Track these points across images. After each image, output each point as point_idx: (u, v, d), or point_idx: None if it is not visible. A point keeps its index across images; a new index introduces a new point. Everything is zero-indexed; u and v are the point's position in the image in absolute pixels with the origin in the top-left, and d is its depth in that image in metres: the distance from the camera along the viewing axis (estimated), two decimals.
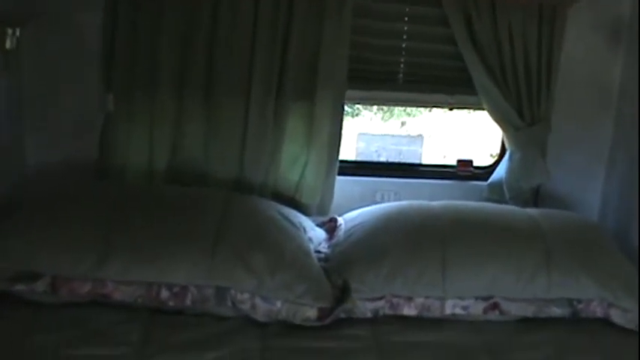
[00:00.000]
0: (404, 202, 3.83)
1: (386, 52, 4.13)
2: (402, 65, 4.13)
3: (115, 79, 3.77)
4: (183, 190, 3.70)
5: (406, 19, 4.06)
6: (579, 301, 3.29)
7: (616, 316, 3.29)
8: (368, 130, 6.15)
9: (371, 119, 6.13)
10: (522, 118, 4.07)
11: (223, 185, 3.86)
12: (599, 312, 3.30)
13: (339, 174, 4.08)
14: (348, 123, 4.09)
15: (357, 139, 6.07)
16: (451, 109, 4.34)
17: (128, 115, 3.79)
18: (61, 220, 3.24)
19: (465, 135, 6.57)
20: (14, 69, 3.55)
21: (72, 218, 3.25)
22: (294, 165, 3.97)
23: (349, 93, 3.97)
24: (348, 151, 5.08)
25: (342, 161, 4.11)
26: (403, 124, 7.17)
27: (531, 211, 3.83)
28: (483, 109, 4.13)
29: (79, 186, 3.66)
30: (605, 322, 3.31)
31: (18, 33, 3.34)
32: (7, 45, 3.31)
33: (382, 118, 6.63)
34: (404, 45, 4.10)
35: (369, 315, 3.21)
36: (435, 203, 3.77)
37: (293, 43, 3.78)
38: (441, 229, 3.47)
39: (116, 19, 3.71)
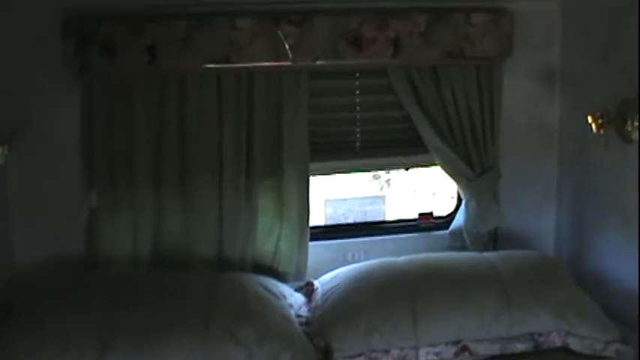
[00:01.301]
0: (372, 262, 4.09)
1: (342, 124, 4.44)
2: (357, 134, 4.42)
3: (96, 176, 4.02)
4: (168, 275, 3.93)
5: (357, 92, 4.37)
6: (540, 334, 3.58)
7: (574, 344, 3.57)
8: (334, 195, 6.37)
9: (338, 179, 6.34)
10: (473, 169, 4.37)
11: (205, 263, 4.11)
12: (557, 341, 3.59)
13: (311, 239, 4.33)
14: (315, 186, 4.35)
15: (325, 205, 6.29)
16: (407, 169, 4.62)
17: (111, 209, 4.04)
18: (59, 317, 3.43)
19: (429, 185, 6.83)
20: (2, 180, 3.79)
21: (69, 314, 3.45)
22: (268, 237, 4.23)
23: (312, 165, 4.23)
24: (317, 217, 5.31)
25: (312, 227, 4.37)
26: (376, 177, 7.45)
27: (489, 255, 4.14)
28: (437, 165, 4.42)
29: (69, 280, 3.84)
30: (565, 350, 3.59)
31: (6, 150, 3.58)
32: None
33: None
34: (358, 116, 4.40)
35: None
36: (401, 259, 4.05)
37: (256, 128, 4.08)
38: (409, 284, 3.76)
39: (92, 121, 3.99)
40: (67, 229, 4.11)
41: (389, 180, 7.80)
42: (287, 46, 3.97)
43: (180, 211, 4.12)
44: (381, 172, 7.57)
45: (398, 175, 7.67)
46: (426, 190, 7.57)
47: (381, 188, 7.71)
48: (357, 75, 4.35)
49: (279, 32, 3.96)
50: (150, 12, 3.94)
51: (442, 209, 4.91)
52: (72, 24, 3.84)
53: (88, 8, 3.86)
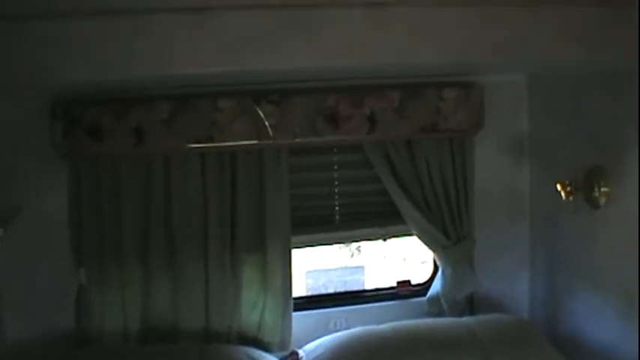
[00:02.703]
0: (355, 330, 4.21)
1: (321, 198, 4.58)
2: (337, 207, 4.56)
3: (85, 253, 4.11)
4: (158, 348, 4.02)
5: (335, 167, 4.51)
6: None
7: None
8: (314, 266, 6.45)
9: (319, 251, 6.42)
10: (448, 238, 4.50)
11: (193, 336, 4.18)
12: None
13: (294, 310, 4.41)
14: (295, 258, 4.45)
15: (306, 277, 6.38)
16: (385, 240, 4.73)
17: (100, 285, 4.12)
18: None
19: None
20: None
21: None
22: (253, 309, 4.32)
23: (293, 239, 4.34)
24: (299, 288, 5.39)
25: (295, 298, 4.46)
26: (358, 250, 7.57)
27: (467, 319, 4.28)
28: (414, 235, 4.55)
29: (59, 357, 3.94)
30: None
31: (1, 232, 3.64)
32: None
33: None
34: (337, 190, 4.54)
35: None
36: (383, 326, 4.16)
37: (240, 204, 4.20)
38: (392, 350, 3.89)
39: (80, 200, 4.09)
40: (58, 305, 4.17)
41: (359, 247, 7.90)
42: (267, 125, 4.10)
43: (168, 286, 4.20)
44: None
45: (368, 243, 7.78)
46: (396, 256, 7.67)
47: (352, 255, 7.81)
48: (335, 151, 4.49)
49: (259, 112, 4.09)
50: (134, 95, 4.05)
51: (413, 274, 4.99)
52: (59, 108, 3.96)
53: (75, 93, 3.98)
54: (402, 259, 7.72)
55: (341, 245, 7.65)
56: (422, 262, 5.24)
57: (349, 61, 3.27)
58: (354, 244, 7.80)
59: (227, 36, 3.08)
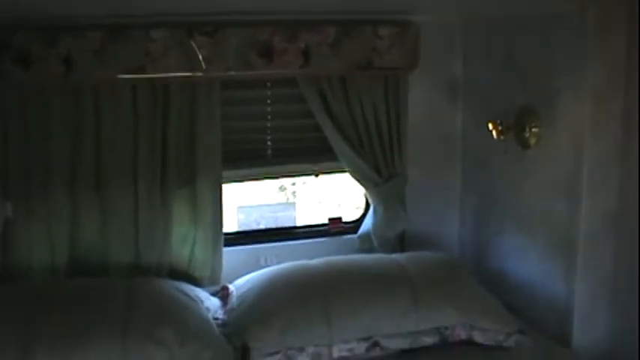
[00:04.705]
0: (286, 264, 4.21)
1: (254, 132, 4.55)
2: (269, 142, 4.54)
3: (11, 186, 4.01)
4: (86, 282, 3.96)
5: (269, 101, 4.49)
6: (446, 328, 3.78)
7: (478, 336, 3.79)
8: (246, 202, 6.45)
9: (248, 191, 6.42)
10: (380, 175, 4.53)
11: (122, 270, 4.16)
12: (463, 335, 3.79)
13: (225, 245, 4.41)
14: (227, 193, 4.42)
15: (237, 212, 6.38)
16: (317, 176, 4.73)
17: (27, 218, 4.03)
18: None
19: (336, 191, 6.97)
20: None
21: None
22: (184, 244, 4.30)
23: (224, 173, 4.32)
24: (230, 224, 5.38)
25: (226, 234, 4.45)
26: (282, 189, 7.56)
27: (397, 256, 4.31)
28: (346, 172, 4.58)
29: None
30: (470, 342, 3.80)
31: None
32: None
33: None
34: (269, 124, 4.52)
35: None
36: (313, 261, 4.18)
37: (171, 137, 4.15)
38: (321, 284, 3.89)
39: (7, 131, 3.97)
40: None
41: (295, 192, 7.92)
42: (200, 57, 4.03)
43: (97, 220, 4.15)
44: (287, 184, 7.69)
45: (304, 187, 7.79)
46: (331, 201, 7.71)
47: (287, 200, 7.83)
48: (269, 85, 4.46)
49: (192, 43, 4.02)
50: (65, 23, 3.93)
51: (346, 216, 5.04)
52: None
53: (1, 18, 3.80)
54: (337, 204, 7.76)
55: (277, 189, 7.68)
56: (356, 208, 5.24)
57: None
58: (290, 188, 7.83)
59: None
